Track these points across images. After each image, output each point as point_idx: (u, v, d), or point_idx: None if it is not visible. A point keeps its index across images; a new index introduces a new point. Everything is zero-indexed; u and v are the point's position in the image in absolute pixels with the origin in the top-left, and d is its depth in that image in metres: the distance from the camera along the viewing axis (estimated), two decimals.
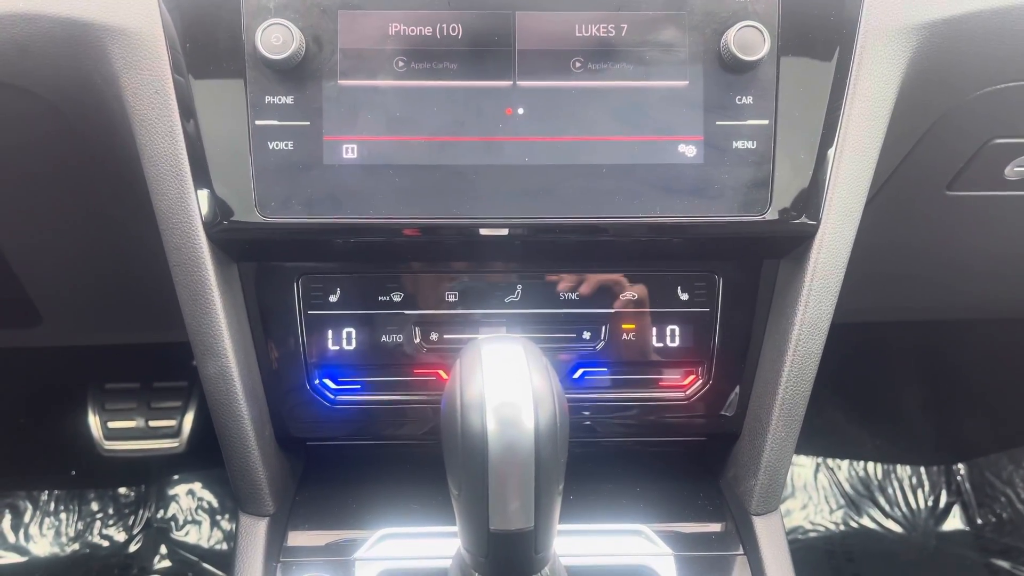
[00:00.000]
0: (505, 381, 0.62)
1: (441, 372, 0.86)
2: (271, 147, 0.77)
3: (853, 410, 2.02)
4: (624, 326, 0.87)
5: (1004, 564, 1.82)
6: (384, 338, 0.85)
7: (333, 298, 0.85)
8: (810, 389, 0.84)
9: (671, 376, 0.88)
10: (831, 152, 0.79)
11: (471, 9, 0.78)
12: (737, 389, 0.88)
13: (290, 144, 0.77)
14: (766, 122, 0.78)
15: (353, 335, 0.85)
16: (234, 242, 0.79)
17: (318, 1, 0.77)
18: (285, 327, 0.84)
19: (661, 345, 0.87)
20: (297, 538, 0.83)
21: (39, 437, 1.85)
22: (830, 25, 0.79)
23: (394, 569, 0.79)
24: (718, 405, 0.88)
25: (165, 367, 1.75)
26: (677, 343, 0.87)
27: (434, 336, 0.86)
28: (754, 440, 0.85)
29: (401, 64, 0.78)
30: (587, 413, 0.87)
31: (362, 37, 0.77)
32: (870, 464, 2.00)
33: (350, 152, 0.77)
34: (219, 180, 0.77)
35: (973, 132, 0.93)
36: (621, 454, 0.95)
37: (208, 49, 0.77)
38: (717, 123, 0.78)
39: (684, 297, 0.87)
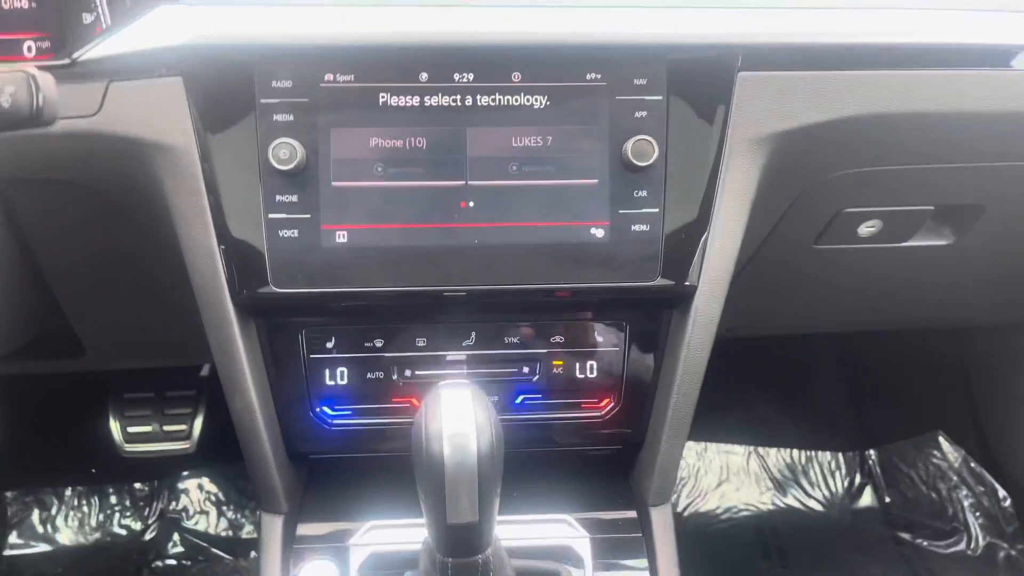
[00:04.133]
0: (457, 418, 0.87)
1: (414, 401, 1.12)
2: (281, 235, 1.01)
3: (781, 405, 2.31)
4: (554, 362, 1.12)
5: (907, 536, 2.11)
6: (369, 375, 1.10)
7: (330, 345, 1.10)
8: (692, 411, 1.10)
9: (591, 400, 1.14)
10: (706, 233, 1.04)
11: (432, 126, 1.02)
12: (641, 410, 1.14)
13: (296, 232, 1.01)
14: (656, 210, 1.03)
15: (345, 373, 1.10)
16: (254, 306, 1.04)
17: (316, 122, 1.00)
18: (293, 368, 1.09)
19: (583, 377, 1.13)
20: (305, 531, 1.08)
21: (65, 442, 2.09)
22: (705, 137, 1.03)
23: (380, 552, 1.05)
24: (626, 422, 1.14)
25: (177, 378, 2.00)
26: (595, 375, 1.13)
27: (408, 373, 1.11)
28: (652, 448, 1.12)
29: (379, 169, 1.01)
30: (526, 429, 1.13)
31: (350, 148, 1.01)
32: (795, 451, 2.28)
33: (342, 237, 1.02)
34: (242, 261, 1.01)
35: (828, 204, 1.19)
36: (553, 459, 1.21)
37: (231, 161, 1.00)
38: (619, 211, 1.03)
39: (600, 340, 1.13)
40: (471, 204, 1.02)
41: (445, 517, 0.88)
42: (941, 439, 2.15)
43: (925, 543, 2.08)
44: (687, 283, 1.05)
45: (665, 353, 1.11)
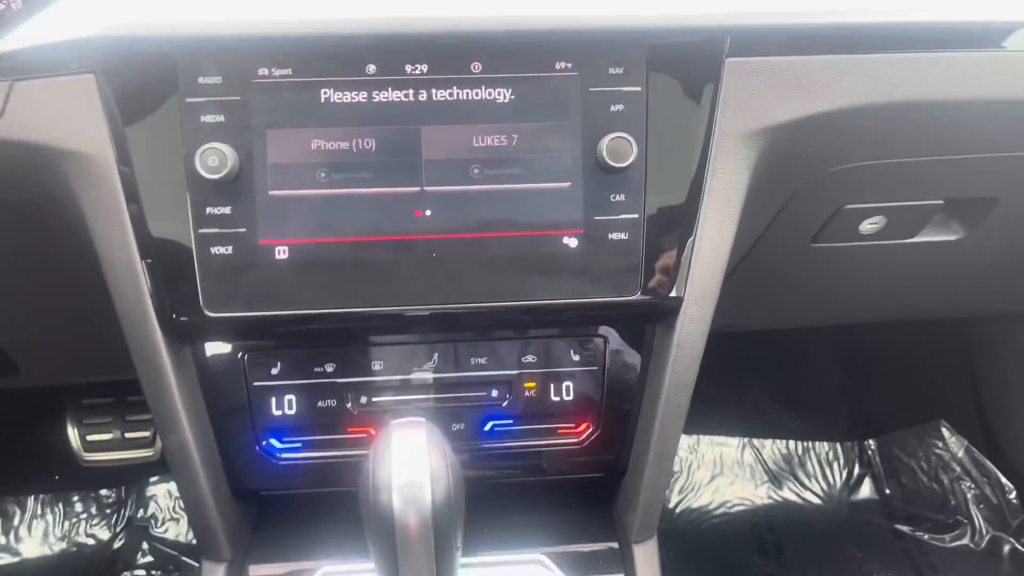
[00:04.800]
0: (408, 464, 0.77)
1: (371, 430, 1.01)
2: (213, 252, 0.90)
3: (777, 394, 2.21)
4: (526, 384, 1.02)
5: (907, 529, 2.03)
6: (320, 403, 1.00)
7: (275, 371, 0.99)
8: (679, 434, 1.00)
9: (567, 425, 1.03)
10: (691, 240, 0.93)
11: (382, 125, 0.90)
12: (622, 434, 1.03)
13: (229, 248, 0.90)
14: (636, 216, 0.92)
15: (293, 402, 0.99)
16: (184, 331, 0.93)
17: (249, 123, 0.89)
18: (234, 396, 0.98)
19: (558, 399, 1.02)
20: None
21: (22, 449, 1.99)
22: (689, 133, 0.92)
23: None
24: (607, 449, 1.03)
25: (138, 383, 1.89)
26: (572, 397, 1.02)
27: (363, 400, 1.00)
28: (635, 477, 1.01)
29: (323, 175, 0.90)
30: (496, 458, 1.03)
31: (288, 152, 0.90)
32: (791, 442, 2.19)
33: (282, 254, 0.90)
34: (170, 282, 0.90)
35: (827, 201, 1.08)
36: (526, 487, 1.11)
37: (153, 170, 0.89)
38: (595, 218, 0.92)
39: (576, 359, 1.02)
40: (428, 212, 0.91)
41: None
42: (943, 428, 2.05)
43: (927, 536, 2.00)
44: (671, 296, 0.94)
45: (649, 371, 1.01)
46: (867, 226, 1.13)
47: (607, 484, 1.09)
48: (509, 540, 1.02)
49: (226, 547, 0.96)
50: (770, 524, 2.07)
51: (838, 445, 2.18)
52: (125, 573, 1.94)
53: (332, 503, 1.04)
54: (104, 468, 1.96)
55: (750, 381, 2.19)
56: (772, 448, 2.19)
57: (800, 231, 1.12)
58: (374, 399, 1.00)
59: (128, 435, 1.90)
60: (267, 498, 1.07)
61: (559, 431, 1.03)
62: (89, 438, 1.90)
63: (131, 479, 2.03)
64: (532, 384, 1.02)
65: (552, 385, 1.02)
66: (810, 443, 2.18)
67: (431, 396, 1.00)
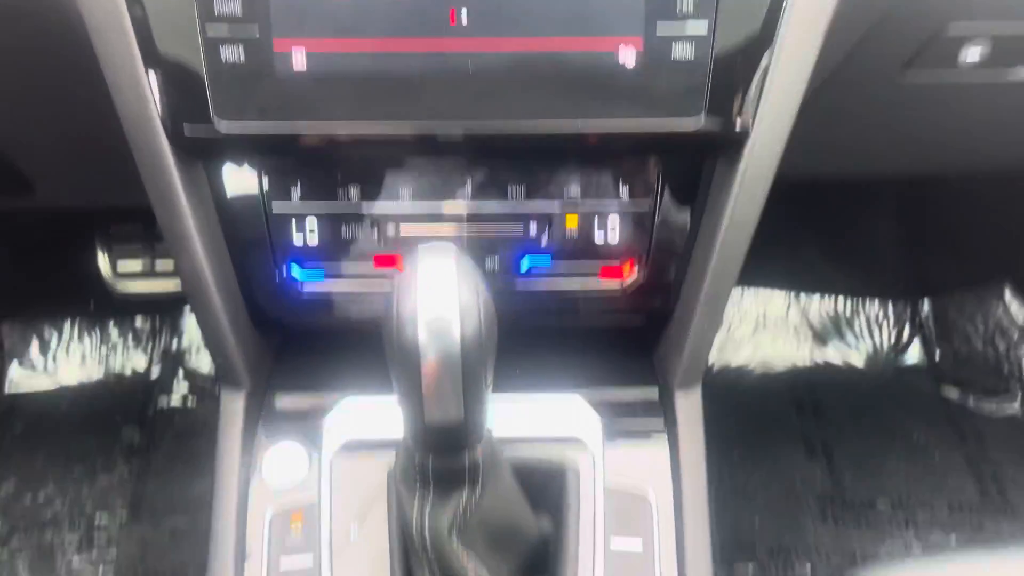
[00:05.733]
0: (435, 297, 0.69)
1: (398, 263, 0.93)
2: (223, 55, 0.79)
3: (829, 248, 2.09)
4: (568, 221, 0.92)
5: (954, 394, 1.96)
6: (344, 231, 0.92)
7: (295, 193, 0.90)
8: (734, 281, 0.91)
9: (611, 266, 0.94)
10: (766, 59, 0.81)
11: None
12: (670, 279, 0.94)
13: (241, 52, 0.79)
14: (704, 25, 0.79)
15: (315, 228, 0.91)
16: (195, 146, 0.84)
17: None
18: (251, 221, 0.90)
19: (602, 239, 0.93)
20: (272, 409, 0.94)
21: (55, 276, 1.97)
22: None
23: (356, 440, 0.90)
24: (653, 293, 0.95)
25: None
26: (617, 237, 0.93)
27: (390, 230, 0.92)
28: (681, 324, 0.93)
29: None
30: (532, 301, 0.95)
31: None
32: (840, 300, 2.09)
33: (299, 58, 0.80)
34: (177, 91, 0.80)
35: (925, 20, 0.93)
36: (562, 331, 1.03)
37: None
38: (657, 29, 0.79)
39: (625, 193, 0.92)
40: (464, 15, 0.79)
41: (422, 415, 0.72)
42: (1007, 291, 1.93)
43: (974, 403, 1.93)
44: (739, 125, 0.82)
45: (705, 210, 0.90)
46: (968, 53, 0.98)
47: (650, 330, 1.01)
48: (543, 381, 0.96)
49: (245, 376, 0.91)
50: (810, 383, 2.01)
51: (890, 304, 2.08)
52: (162, 402, 1.96)
53: (356, 338, 0.98)
54: (136, 297, 1.95)
55: (802, 233, 2.07)
56: (819, 305, 2.10)
57: (890, 56, 0.98)
58: (401, 229, 0.92)
59: (158, 266, 1.87)
60: (289, 331, 1.02)
61: (602, 273, 0.95)
62: (120, 267, 1.88)
63: (164, 309, 2.02)
64: (574, 221, 0.92)
65: (597, 221, 0.93)
66: (860, 301, 2.08)
67: (463, 229, 0.92)
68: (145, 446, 1.87)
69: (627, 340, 1.03)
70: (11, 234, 1.88)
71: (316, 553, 0.82)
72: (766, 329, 2.08)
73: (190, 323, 2.04)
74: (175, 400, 1.96)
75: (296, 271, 0.93)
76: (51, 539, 1.71)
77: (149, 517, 1.76)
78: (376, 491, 0.85)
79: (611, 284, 0.94)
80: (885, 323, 2.08)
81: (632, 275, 0.94)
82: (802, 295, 2.10)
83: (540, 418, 0.92)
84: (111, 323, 2.03)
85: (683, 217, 0.92)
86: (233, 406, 0.90)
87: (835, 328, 2.08)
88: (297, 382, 0.97)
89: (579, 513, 0.85)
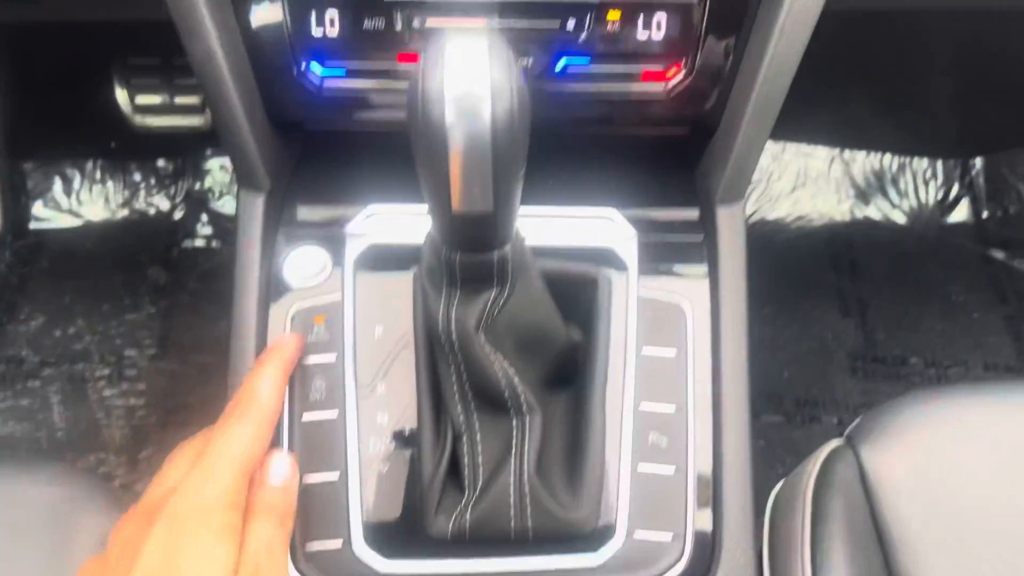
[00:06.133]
0: (465, 75, 0.63)
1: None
2: None
3: (878, 102, 1.97)
4: (609, 15, 0.84)
5: (1000, 255, 1.89)
6: (367, 23, 0.85)
7: None
8: (785, 89, 0.83)
9: (654, 68, 0.87)
10: None
11: None
12: (718, 85, 0.87)
13: None
14: None
15: (336, 19, 0.84)
16: None
17: None
18: (267, 8, 0.84)
19: (646, 36, 0.85)
20: (292, 213, 0.90)
21: (73, 111, 1.92)
22: None
23: (380, 244, 0.87)
24: (697, 100, 0.87)
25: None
26: (662, 34, 0.85)
27: (416, 21, 0.85)
28: (728, 133, 0.86)
29: None
30: (566, 104, 0.88)
31: None
32: (887, 156, 2.00)
33: None
34: None
35: None
36: (597, 143, 0.97)
37: None
38: None
39: None
40: None
41: (449, 204, 0.67)
42: None
43: (1019, 264, 1.86)
44: None
45: (760, 4, 0.82)
46: None
47: (692, 145, 0.95)
48: (576, 196, 0.90)
49: (264, 176, 0.87)
50: (849, 241, 1.95)
51: (939, 162, 1.98)
52: (186, 242, 1.95)
53: (382, 144, 0.92)
54: (157, 132, 1.90)
55: (851, 85, 1.95)
56: (864, 162, 2.01)
57: None
58: (428, 21, 0.85)
59: (178, 100, 1.81)
60: (309, 136, 0.96)
61: (644, 76, 0.87)
62: (138, 100, 1.82)
63: (186, 150, 1.98)
64: (616, 15, 0.84)
65: (641, 17, 0.85)
66: (908, 158, 1.99)
67: (495, 23, 0.84)
68: (171, 286, 1.87)
69: (667, 158, 0.97)
70: (29, 71, 1.82)
71: (340, 351, 0.80)
72: (805, 186, 2.00)
73: (212, 165, 2.00)
74: (199, 242, 1.95)
75: (315, 67, 0.87)
76: (82, 371, 1.74)
77: (176, 354, 1.77)
78: (401, 292, 0.82)
79: (654, 87, 0.87)
80: (932, 181, 1.99)
81: (676, 77, 0.87)
82: (846, 151, 2.01)
83: (572, 230, 0.88)
84: (133, 164, 2.00)
85: (734, 13, 0.84)
86: (252, 207, 0.86)
87: (879, 185, 1.99)
88: (318, 190, 0.92)
89: (610, 321, 0.81)
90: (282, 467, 0.74)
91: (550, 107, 0.88)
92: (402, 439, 0.78)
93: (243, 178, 0.87)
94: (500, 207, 0.68)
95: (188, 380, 1.73)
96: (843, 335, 1.79)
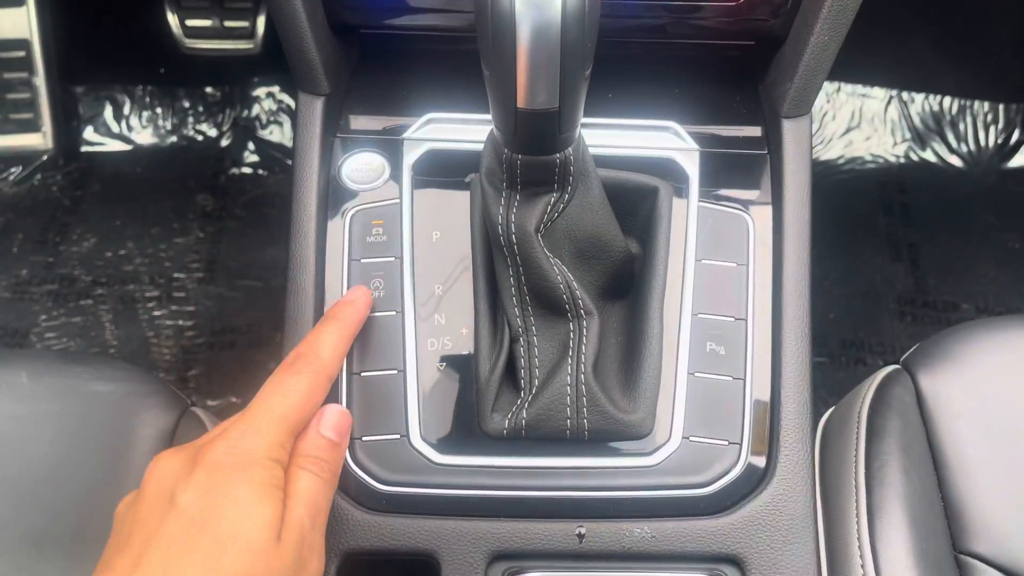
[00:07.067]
0: None
1: None
2: None
3: (940, 41, 1.91)
4: None
5: None
6: None
7: None
8: (855, 8, 0.80)
9: None
10: None
11: None
12: None
13: None
14: None
15: None
16: None
17: None
18: None
19: None
20: (350, 119, 0.89)
21: (124, 35, 1.93)
22: None
23: (438, 149, 0.86)
24: (767, 7, 0.85)
25: None
26: None
27: None
28: (797, 44, 0.84)
29: None
30: (632, 10, 0.86)
31: None
32: (947, 99, 1.94)
33: None
34: None
35: None
36: (661, 57, 0.95)
37: None
38: None
39: None
40: None
41: (515, 100, 0.66)
42: None
43: None
44: None
45: None
46: None
47: (757, 58, 0.92)
48: (638, 110, 0.89)
49: (323, 79, 0.86)
50: (902, 184, 1.90)
51: (1000, 106, 1.92)
52: (233, 169, 1.96)
53: (438, 54, 0.92)
54: (206, 60, 1.91)
55: (911, 24, 1.89)
56: (923, 104, 1.95)
57: None
58: None
59: (228, 23, 1.81)
60: (368, 39, 0.95)
61: None
62: (188, 23, 1.82)
63: (234, 78, 1.98)
64: None
65: None
66: (969, 101, 1.93)
67: None
68: (218, 211, 1.89)
69: (728, 76, 0.94)
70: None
71: (398, 254, 0.80)
72: (860, 127, 1.95)
73: (259, 93, 2.00)
74: (246, 169, 1.96)
75: None
76: (132, 292, 1.77)
77: (224, 278, 1.80)
78: (458, 197, 0.82)
79: None
80: (993, 126, 1.93)
81: None
82: (904, 92, 1.95)
83: (634, 140, 0.86)
84: (182, 91, 2.00)
85: None
86: (311, 110, 0.86)
87: (937, 128, 1.94)
88: (376, 98, 0.91)
89: (670, 230, 0.81)
90: (339, 419, 0.69)
91: (616, 15, 0.86)
92: (459, 340, 0.79)
93: (303, 81, 0.87)
94: (565, 105, 0.67)
95: (235, 304, 1.76)
96: (893, 279, 1.76)
